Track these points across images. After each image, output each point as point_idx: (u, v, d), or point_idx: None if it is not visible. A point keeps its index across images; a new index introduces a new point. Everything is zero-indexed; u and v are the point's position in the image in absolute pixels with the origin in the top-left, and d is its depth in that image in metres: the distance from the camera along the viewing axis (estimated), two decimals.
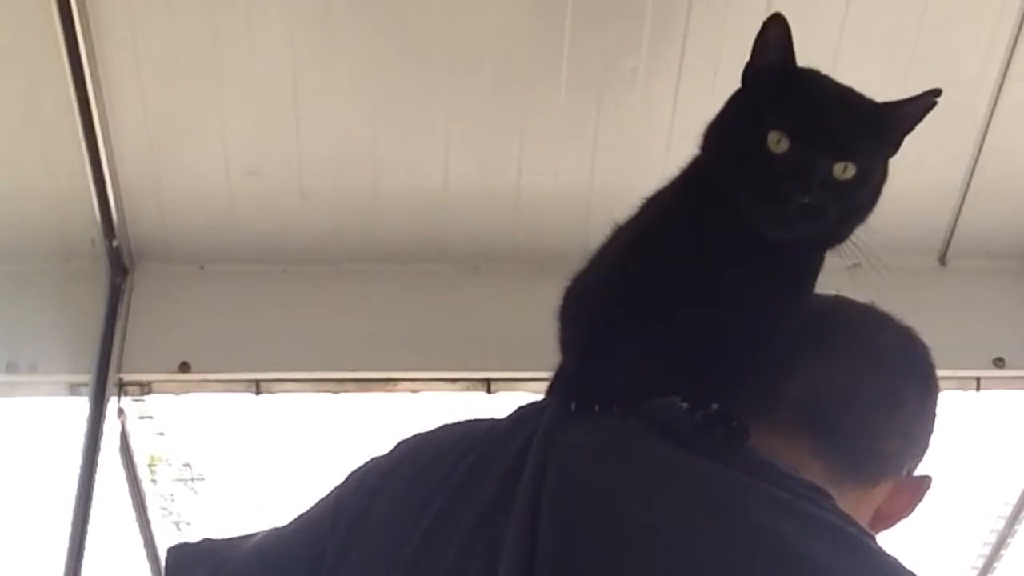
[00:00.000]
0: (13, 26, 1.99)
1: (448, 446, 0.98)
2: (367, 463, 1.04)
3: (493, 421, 1.01)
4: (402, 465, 1.00)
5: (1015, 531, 2.52)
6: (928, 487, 1.09)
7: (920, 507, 1.08)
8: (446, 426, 1.04)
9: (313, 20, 1.99)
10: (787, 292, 0.99)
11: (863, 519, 1.02)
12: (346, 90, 2.08)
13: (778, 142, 0.94)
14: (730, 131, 1.00)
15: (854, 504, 1.01)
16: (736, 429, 0.93)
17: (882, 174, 1.06)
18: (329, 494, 1.03)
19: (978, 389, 2.23)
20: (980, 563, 2.61)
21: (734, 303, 0.97)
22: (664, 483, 0.86)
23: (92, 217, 2.16)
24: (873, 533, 1.03)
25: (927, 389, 1.14)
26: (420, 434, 1.04)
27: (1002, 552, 2.57)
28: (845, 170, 0.96)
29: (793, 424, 1.00)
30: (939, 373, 2.25)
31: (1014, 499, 2.47)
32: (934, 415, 1.14)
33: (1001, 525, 2.53)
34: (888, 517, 1.06)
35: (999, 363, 2.21)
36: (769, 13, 1.07)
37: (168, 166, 2.17)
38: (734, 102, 1.03)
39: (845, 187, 0.96)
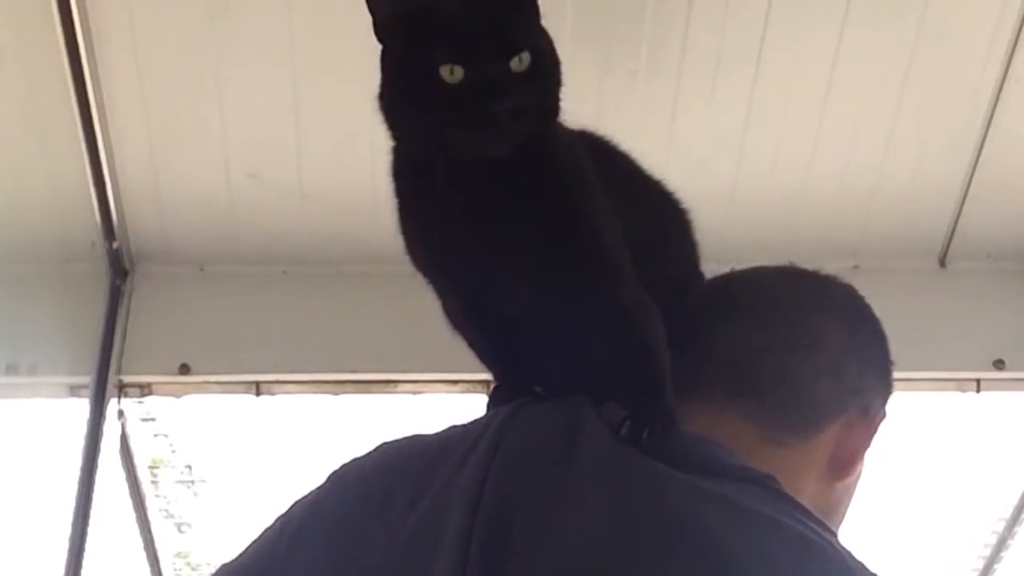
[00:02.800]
0: (13, 27, 1.99)
1: (395, 466, 0.95)
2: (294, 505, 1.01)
3: (439, 435, 0.99)
4: (338, 492, 0.97)
5: (1015, 532, 2.52)
6: (882, 418, 1.02)
7: (876, 440, 1.02)
8: (390, 444, 1.00)
9: (313, 23, 1.99)
10: (553, 224, 0.97)
11: (817, 470, 0.99)
12: (346, 93, 2.08)
13: (451, 72, 0.92)
14: (403, 90, 0.98)
15: (803, 459, 0.97)
16: (653, 434, 0.90)
17: (546, 37, 1.00)
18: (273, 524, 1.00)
19: (978, 391, 2.23)
20: (980, 564, 2.61)
21: (517, 269, 0.98)
22: (590, 481, 0.85)
23: (92, 219, 2.16)
24: (843, 478, 1.01)
25: (852, 321, 1.05)
26: (361, 458, 1.00)
27: (1002, 554, 2.57)
28: (521, 61, 0.93)
29: (720, 394, 0.97)
30: (939, 375, 2.28)
31: (1014, 501, 2.47)
32: (874, 344, 1.06)
33: (1001, 527, 2.53)
34: (848, 461, 1.00)
35: (999, 365, 2.21)
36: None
37: (168, 168, 2.17)
38: (387, 67, 0.99)
39: (529, 75, 0.94)
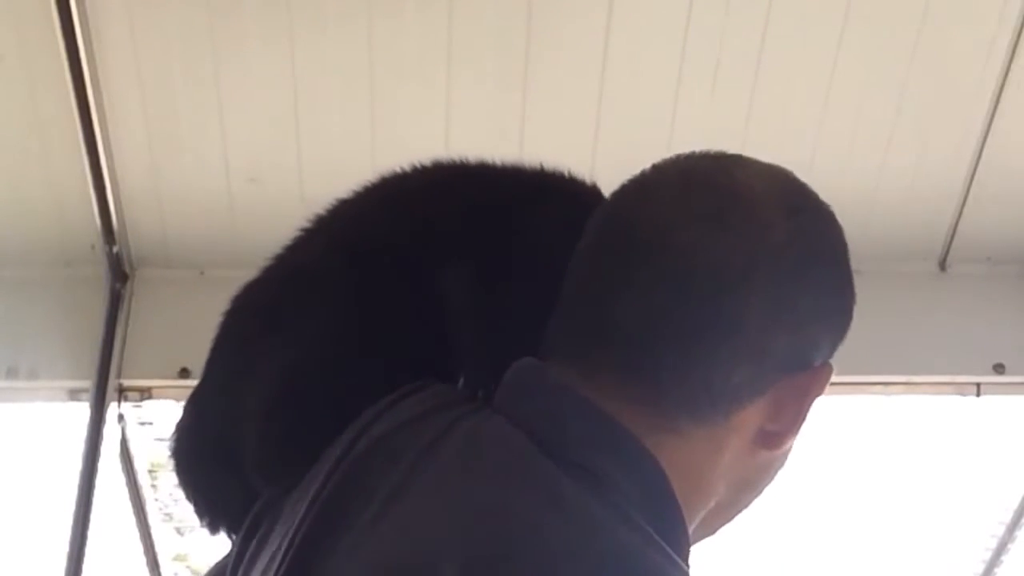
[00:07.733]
0: (13, 29, 1.99)
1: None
2: None
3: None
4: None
5: (1015, 536, 2.52)
6: (827, 375, 0.85)
7: (819, 399, 0.85)
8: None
9: (313, 26, 2.00)
10: None
11: (734, 449, 0.85)
12: (346, 96, 2.08)
13: None
14: None
15: (710, 445, 0.84)
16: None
17: None
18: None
19: (978, 395, 2.23)
20: (980, 568, 2.61)
21: None
22: (421, 480, 0.79)
23: (92, 222, 2.16)
24: (776, 448, 0.86)
25: (778, 287, 0.85)
26: None
27: (1002, 557, 2.57)
28: None
29: (606, 370, 0.83)
30: (939, 379, 2.28)
31: (1015, 504, 2.47)
32: (827, 280, 0.90)
33: (1002, 531, 2.53)
34: (782, 432, 0.85)
35: (999, 369, 2.21)
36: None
37: (168, 172, 2.17)
38: None
39: None
